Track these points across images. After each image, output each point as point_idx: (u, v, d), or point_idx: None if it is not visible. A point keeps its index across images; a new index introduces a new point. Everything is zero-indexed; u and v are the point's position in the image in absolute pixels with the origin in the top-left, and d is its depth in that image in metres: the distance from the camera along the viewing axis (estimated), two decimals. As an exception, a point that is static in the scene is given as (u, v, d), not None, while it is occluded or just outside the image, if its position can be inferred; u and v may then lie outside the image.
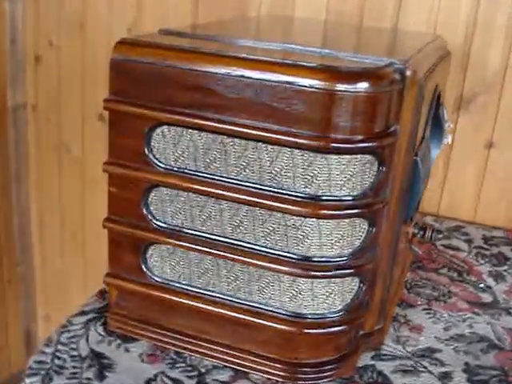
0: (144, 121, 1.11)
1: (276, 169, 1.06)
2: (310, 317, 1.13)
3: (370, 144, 1.02)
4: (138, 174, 1.14)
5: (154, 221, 1.17)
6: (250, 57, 1.04)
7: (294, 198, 1.06)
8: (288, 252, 1.10)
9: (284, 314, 1.14)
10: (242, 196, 1.08)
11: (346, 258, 1.10)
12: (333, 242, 1.08)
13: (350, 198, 1.05)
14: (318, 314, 1.13)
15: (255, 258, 1.12)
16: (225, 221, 1.12)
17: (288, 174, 1.05)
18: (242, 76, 1.02)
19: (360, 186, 1.06)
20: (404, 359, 1.25)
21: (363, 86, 0.99)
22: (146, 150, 1.13)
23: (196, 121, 1.07)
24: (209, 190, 1.10)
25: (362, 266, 1.11)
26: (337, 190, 1.05)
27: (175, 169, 1.12)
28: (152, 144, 1.12)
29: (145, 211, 1.17)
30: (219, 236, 1.14)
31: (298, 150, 1.04)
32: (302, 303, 1.12)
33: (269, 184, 1.07)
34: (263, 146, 1.05)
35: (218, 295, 1.17)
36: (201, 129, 1.08)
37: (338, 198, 1.05)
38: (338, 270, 1.09)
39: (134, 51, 1.09)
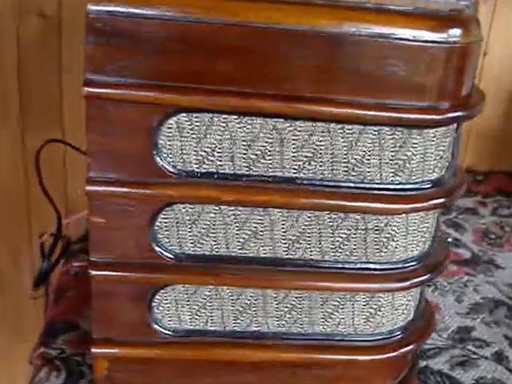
0: (150, 108, 0.72)
1: (356, 156, 0.77)
2: (389, 335, 0.89)
3: (465, 112, 0.79)
4: (143, 190, 0.76)
5: (167, 254, 0.80)
6: (322, 1, 0.72)
7: (380, 192, 0.79)
8: (367, 262, 0.83)
9: (360, 341, 0.87)
10: (305, 200, 0.78)
11: (425, 256, 0.87)
12: (418, 239, 0.84)
13: (439, 181, 0.82)
14: (397, 329, 0.89)
15: (322, 278, 0.82)
16: (277, 236, 0.80)
17: (372, 161, 0.77)
18: (313, 29, 0.70)
19: (448, 166, 0.82)
20: (450, 349, 1.09)
21: (475, 35, 0.74)
22: (153, 152, 0.75)
23: (236, 100, 0.72)
24: (255, 198, 0.77)
25: (437, 263, 0.89)
26: (429, 174, 0.80)
27: (200, 174, 0.76)
28: (162, 143, 0.75)
29: (153, 243, 0.79)
30: (269, 258, 0.82)
31: (387, 128, 0.76)
32: (382, 320, 0.87)
33: (344, 178, 0.78)
34: (338, 127, 0.75)
35: (265, 336, 0.86)
36: (244, 112, 0.73)
37: (431, 184, 0.80)
38: (424, 272, 0.86)
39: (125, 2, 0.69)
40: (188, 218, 0.79)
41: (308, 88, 0.72)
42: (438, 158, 0.79)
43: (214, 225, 0.79)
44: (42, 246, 1.04)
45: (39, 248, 1.04)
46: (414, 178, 0.79)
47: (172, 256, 0.80)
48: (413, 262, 0.84)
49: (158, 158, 0.75)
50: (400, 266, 0.83)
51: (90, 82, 0.70)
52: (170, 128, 0.74)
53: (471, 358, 1.07)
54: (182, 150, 0.75)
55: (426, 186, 0.80)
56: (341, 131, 0.75)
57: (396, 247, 0.82)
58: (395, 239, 0.82)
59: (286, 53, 0.71)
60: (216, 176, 0.76)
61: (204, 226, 0.79)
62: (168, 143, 0.75)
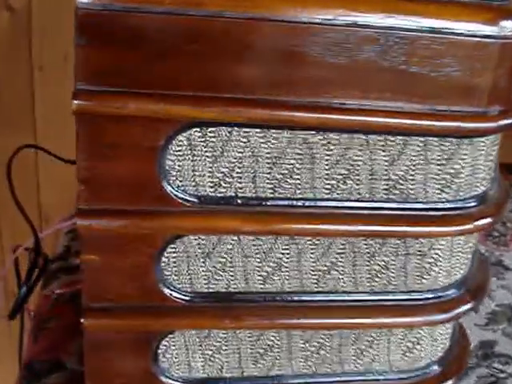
0: (157, 123, 0.59)
1: (398, 172, 0.65)
2: (427, 369, 0.78)
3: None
4: (148, 222, 0.62)
5: (176, 294, 0.67)
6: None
7: (424, 213, 0.67)
8: (407, 291, 0.72)
9: (396, 379, 0.76)
10: (340, 226, 0.66)
11: (467, 279, 0.76)
12: (462, 261, 0.73)
13: (486, 197, 0.71)
14: (435, 362, 0.78)
15: (356, 313, 0.71)
16: (306, 268, 0.68)
17: (417, 177, 0.66)
18: (355, 24, 0.58)
19: (494, 178, 0.72)
20: (476, 368, 0.98)
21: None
22: (159, 176, 0.61)
23: (260, 111, 0.59)
24: (281, 226, 0.65)
25: (480, 285, 0.79)
26: (476, 188, 0.69)
27: (216, 200, 0.64)
28: (170, 164, 0.61)
29: (159, 283, 0.66)
30: (295, 294, 0.70)
31: (435, 139, 0.65)
32: (420, 354, 0.76)
33: (385, 197, 0.66)
34: (379, 139, 0.64)
35: (288, 380, 0.74)
36: (269, 124, 0.61)
37: (477, 201, 0.69)
38: (469, 298, 0.75)
39: None
40: (201, 251, 0.66)
41: (345, 94, 0.60)
42: (486, 169, 0.69)
43: (231, 258, 0.67)
44: (16, 262, 0.89)
45: (13, 264, 0.89)
46: (461, 194, 0.68)
47: (182, 297, 0.67)
48: (456, 287, 0.74)
49: (165, 183, 0.61)
50: (443, 293, 0.73)
51: (82, 94, 0.56)
52: (179, 146, 0.61)
53: (499, 377, 0.98)
54: (194, 171, 0.62)
55: (473, 204, 0.69)
56: (382, 143, 0.64)
57: (439, 272, 0.71)
58: (438, 264, 0.71)
59: (320, 52, 0.58)
60: (235, 201, 0.64)
61: (220, 260, 0.67)
62: (177, 164, 0.61)
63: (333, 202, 0.65)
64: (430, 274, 0.71)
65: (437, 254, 0.70)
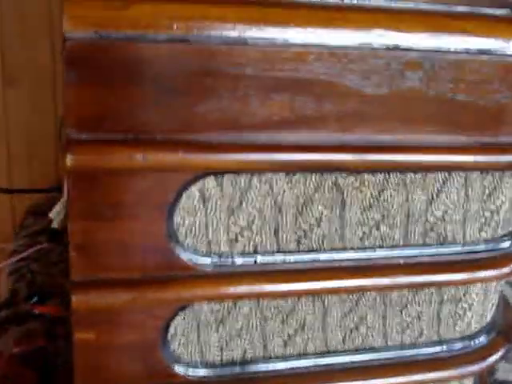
0: (168, 176, 0.48)
1: (436, 212, 0.57)
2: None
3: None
4: (153, 292, 0.51)
5: (187, 371, 0.56)
6: (399, 6, 0.50)
7: (462, 257, 0.60)
8: (439, 342, 0.64)
9: None
10: (372, 280, 0.56)
11: (496, 321, 0.69)
12: (493, 302, 0.66)
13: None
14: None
15: (386, 372, 0.62)
16: (331, 326, 0.59)
17: (456, 217, 0.58)
18: (397, 47, 0.49)
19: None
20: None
21: None
22: (168, 237, 0.50)
23: (287, 154, 0.50)
24: (307, 285, 0.55)
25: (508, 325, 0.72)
26: (510, 225, 0.62)
27: (230, 261, 0.53)
28: (179, 221, 0.51)
29: (166, 359, 0.55)
30: (319, 353, 0.60)
31: (477, 173, 0.57)
32: None
33: (421, 242, 0.58)
34: (418, 177, 0.55)
35: None
36: (296, 168, 0.51)
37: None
38: (503, 340, 0.68)
39: (123, 17, 0.44)
40: (213, 317, 0.56)
41: (383, 129, 0.51)
42: (521, 203, 0.62)
43: (248, 322, 0.57)
44: None
45: None
46: (499, 231, 0.61)
47: (194, 374, 0.56)
48: (487, 332, 0.67)
49: (174, 244, 0.51)
50: (476, 340, 0.66)
51: (76, 145, 0.45)
52: (190, 199, 0.50)
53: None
54: (207, 227, 0.52)
55: (509, 243, 0.62)
56: (420, 181, 0.56)
57: (472, 316, 0.64)
58: (473, 308, 0.63)
59: (356, 82, 0.49)
60: (255, 259, 0.54)
61: (235, 326, 0.57)
62: (187, 220, 0.51)
63: (364, 252, 0.56)
64: (463, 321, 0.64)
65: (472, 298, 0.63)
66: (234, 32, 0.45)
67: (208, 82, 0.46)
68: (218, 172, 0.49)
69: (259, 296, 0.54)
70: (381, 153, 0.52)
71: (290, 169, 0.51)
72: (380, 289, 0.57)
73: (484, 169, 0.56)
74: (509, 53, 0.51)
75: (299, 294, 0.55)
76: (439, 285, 0.59)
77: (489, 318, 0.67)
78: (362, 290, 0.56)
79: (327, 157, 0.51)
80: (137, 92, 0.45)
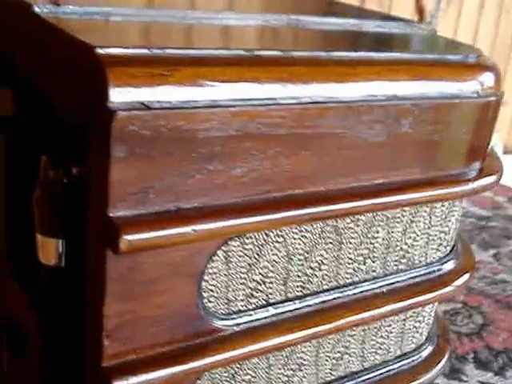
0: (201, 244, 0.45)
1: (407, 241, 0.61)
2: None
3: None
4: (181, 366, 0.48)
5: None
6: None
7: (426, 277, 0.64)
8: (401, 356, 0.68)
9: None
10: (364, 314, 0.58)
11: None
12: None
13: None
14: None
15: (363, 390, 0.65)
16: (322, 360, 0.60)
17: (421, 242, 0.63)
18: (395, 96, 0.51)
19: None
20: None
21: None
22: (198, 304, 0.47)
23: (305, 210, 0.50)
24: (315, 329, 0.55)
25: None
26: (453, 239, 0.69)
27: (248, 319, 0.52)
28: (204, 286, 0.48)
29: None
30: (313, 390, 0.61)
31: (439, 204, 0.62)
32: None
33: (394, 269, 0.62)
34: (396, 212, 0.59)
35: None
36: (307, 219, 0.51)
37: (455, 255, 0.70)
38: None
39: (167, 84, 0.40)
40: (226, 374, 0.54)
41: (379, 174, 0.54)
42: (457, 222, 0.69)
43: (255, 372, 0.56)
44: None
45: None
46: (447, 248, 0.67)
47: None
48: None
49: (201, 311, 0.48)
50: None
51: (125, 224, 0.40)
52: (215, 262, 0.48)
53: None
54: (227, 287, 0.50)
55: (453, 258, 0.69)
56: (398, 216, 0.60)
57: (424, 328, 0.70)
58: (426, 320, 0.70)
59: (363, 132, 0.51)
60: (267, 311, 0.53)
61: (244, 378, 0.56)
62: (210, 284, 0.49)
63: (353, 288, 0.59)
64: (419, 332, 0.70)
65: (425, 311, 0.69)
66: (267, 92, 0.45)
67: (245, 145, 0.45)
68: (244, 232, 0.49)
69: (276, 348, 0.54)
70: (378, 197, 0.54)
71: (308, 221, 0.52)
72: (372, 320, 0.60)
73: (447, 199, 0.62)
74: (464, 94, 0.58)
75: (306, 340, 0.56)
76: (411, 308, 0.64)
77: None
78: (357, 324, 0.59)
79: (339, 205, 0.52)
80: (180, 161, 0.42)
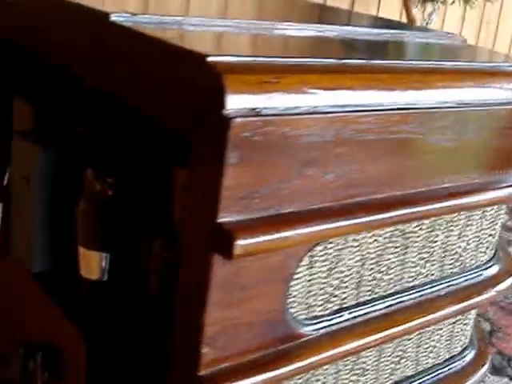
0: (296, 250, 0.45)
1: (461, 244, 0.62)
2: None
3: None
4: (275, 367, 0.48)
5: None
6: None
7: (476, 280, 0.66)
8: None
9: None
10: (427, 317, 0.59)
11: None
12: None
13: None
14: None
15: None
16: (382, 365, 0.61)
17: (472, 245, 0.64)
18: (462, 102, 0.53)
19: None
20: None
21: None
22: (285, 309, 0.48)
23: (387, 215, 0.50)
24: (383, 333, 0.55)
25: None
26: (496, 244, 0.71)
27: (326, 324, 0.52)
28: (290, 292, 0.48)
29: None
30: (374, 394, 0.62)
31: (489, 208, 0.63)
32: None
33: (450, 273, 0.63)
34: (453, 216, 0.60)
35: None
36: (392, 223, 0.52)
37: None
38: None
39: (274, 91, 0.40)
40: (300, 381, 0.54)
41: (450, 178, 0.56)
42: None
43: (325, 378, 0.57)
44: None
45: None
46: (492, 252, 0.69)
47: None
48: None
49: (287, 317, 0.48)
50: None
51: (236, 228, 0.40)
52: (301, 267, 0.49)
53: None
54: (308, 292, 0.50)
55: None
56: (455, 220, 0.61)
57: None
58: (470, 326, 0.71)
59: (438, 137, 0.53)
60: (342, 316, 0.54)
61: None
62: (294, 290, 0.49)
63: (416, 292, 0.60)
64: (464, 335, 0.71)
65: (471, 314, 0.71)
66: (358, 99, 0.46)
67: (338, 151, 0.45)
68: (331, 236, 0.49)
69: (353, 352, 0.54)
70: (448, 200, 0.56)
71: (392, 224, 0.53)
72: (432, 322, 0.61)
73: (502, 202, 0.63)
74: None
75: (378, 344, 0.57)
76: (467, 309, 0.65)
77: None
78: (421, 327, 0.60)
79: (418, 208, 0.53)
80: (283, 166, 0.43)
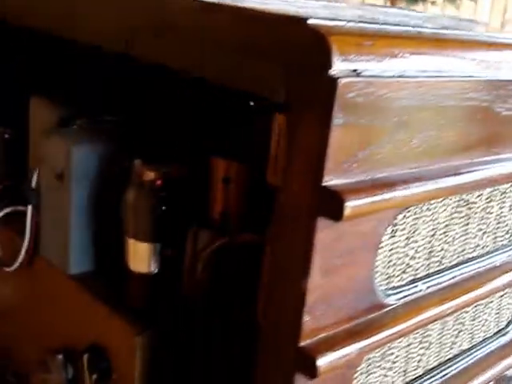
0: (385, 216, 0.45)
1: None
2: None
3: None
4: (364, 337, 0.47)
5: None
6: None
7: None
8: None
9: None
10: (485, 288, 0.60)
11: None
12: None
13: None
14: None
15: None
16: (444, 339, 0.61)
17: (520, 218, 0.65)
18: None
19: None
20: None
21: None
22: (372, 278, 0.47)
23: (461, 180, 0.51)
24: (452, 304, 0.56)
25: None
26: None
27: (405, 294, 0.52)
28: (377, 260, 0.48)
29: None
30: (437, 368, 0.62)
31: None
32: None
33: (502, 245, 0.64)
34: (506, 187, 0.61)
35: None
36: (464, 189, 0.53)
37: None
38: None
39: (372, 53, 0.41)
40: (378, 354, 0.54)
41: (508, 147, 0.57)
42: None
43: (398, 351, 0.56)
44: None
45: None
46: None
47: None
48: None
49: (374, 286, 0.48)
50: None
51: (345, 193, 0.40)
52: (385, 235, 0.49)
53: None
54: (389, 262, 0.51)
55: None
56: (508, 191, 0.62)
57: None
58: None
59: (498, 104, 0.54)
60: (417, 287, 0.54)
61: (390, 358, 0.56)
62: (379, 258, 0.49)
63: (475, 263, 0.61)
64: (509, 309, 0.72)
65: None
66: (437, 66, 0.46)
67: (422, 115, 0.46)
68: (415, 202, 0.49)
69: (425, 324, 0.55)
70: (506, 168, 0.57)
71: (469, 190, 0.54)
72: (490, 293, 0.62)
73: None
74: None
75: (447, 315, 0.57)
76: None
77: None
78: (480, 298, 0.61)
79: (482, 176, 0.54)
80: (379, 130, 0.43)
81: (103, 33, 0.58)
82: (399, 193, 0.45)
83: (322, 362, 0.44)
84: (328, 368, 0.44)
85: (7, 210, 0.79)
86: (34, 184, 0.74)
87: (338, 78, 0.39)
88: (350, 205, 0.40)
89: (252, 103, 0.57)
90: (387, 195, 0.43)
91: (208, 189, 0.65)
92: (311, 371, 0.44)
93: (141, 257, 0.64)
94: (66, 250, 0.70)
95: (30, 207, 0.74)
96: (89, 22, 0.60)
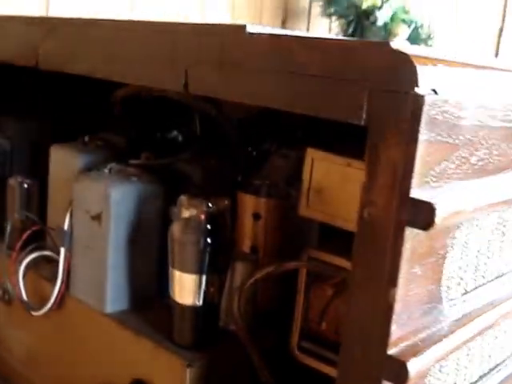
0: (450, 225, 0.49)
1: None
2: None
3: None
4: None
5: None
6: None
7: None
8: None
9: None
10: None
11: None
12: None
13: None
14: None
15: None
16: (485, 351, 0.64)
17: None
18: None
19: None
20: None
21: None
22: (439, 284, 0.50)
23: None
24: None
25: None
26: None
27: (460, 304, 0.55)
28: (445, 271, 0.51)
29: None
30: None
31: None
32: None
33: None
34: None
35: None
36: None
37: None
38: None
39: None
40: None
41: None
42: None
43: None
44: None
45: None
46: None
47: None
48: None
49: (442, 293, 0.51)
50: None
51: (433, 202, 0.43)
52: (448, 246, 0.52)
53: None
54: (449, 273, 0.54)
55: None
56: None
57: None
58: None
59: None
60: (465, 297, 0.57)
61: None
62: (444, 269, 0.52)
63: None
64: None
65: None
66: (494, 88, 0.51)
67: (480, 134, 0.50)
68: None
69: (476, 335, 0.58)
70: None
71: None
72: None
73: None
74: None
75: (491, 327, 0.61)
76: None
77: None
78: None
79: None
80: (449, 147, 0.47)
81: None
82: (469, 206, 0.48)
83: (412, 368, 0.46)
84: (416, 375, 0.47)
85: (34, 255, 0.79)
86: (66, 227, 0.74)
87: (423, 95, 0.43)
88: (441, 214, 0.44)
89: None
90: (461, 207, 0.47)
91: (237, 223, 0.68)
92: (401, 378, 0.46)
93: (185, 288, 0.65)
94: (103, 289, 0.71)
95: (62, 249, 0.74)
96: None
